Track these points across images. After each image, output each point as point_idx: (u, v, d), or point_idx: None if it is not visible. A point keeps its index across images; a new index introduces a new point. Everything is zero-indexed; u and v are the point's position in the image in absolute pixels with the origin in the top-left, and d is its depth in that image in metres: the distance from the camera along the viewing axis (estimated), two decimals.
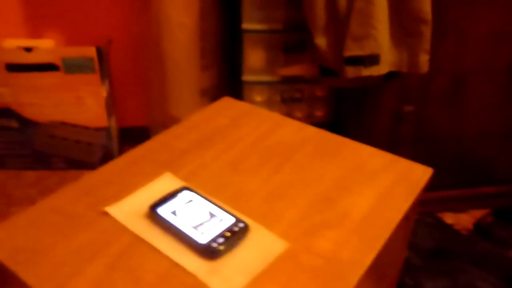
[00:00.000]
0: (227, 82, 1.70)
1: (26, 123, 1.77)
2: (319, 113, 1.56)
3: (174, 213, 0.68)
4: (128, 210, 0.70)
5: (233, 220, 0.68)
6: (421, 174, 0.81)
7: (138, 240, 0.65)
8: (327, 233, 0.67)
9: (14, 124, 1.77)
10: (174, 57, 1.57)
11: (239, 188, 0.75)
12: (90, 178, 0.77)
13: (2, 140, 1.81)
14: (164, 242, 0.65)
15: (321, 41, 1.27)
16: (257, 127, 0.90)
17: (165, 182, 0.76)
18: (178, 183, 0.75)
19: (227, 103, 0.99)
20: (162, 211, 0.69)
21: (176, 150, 0.83)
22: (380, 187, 0.76)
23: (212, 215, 0.69)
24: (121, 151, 1.96)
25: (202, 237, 0.65)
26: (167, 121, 1.75)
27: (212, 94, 1.67)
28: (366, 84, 1.34)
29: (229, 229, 0.66)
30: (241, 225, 0.67)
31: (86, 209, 0.70)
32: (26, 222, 0.69)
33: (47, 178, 1.84)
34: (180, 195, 0.72)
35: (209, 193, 0.73)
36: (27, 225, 0.68)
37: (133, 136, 1.99)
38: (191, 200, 0.71)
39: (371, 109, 1.46)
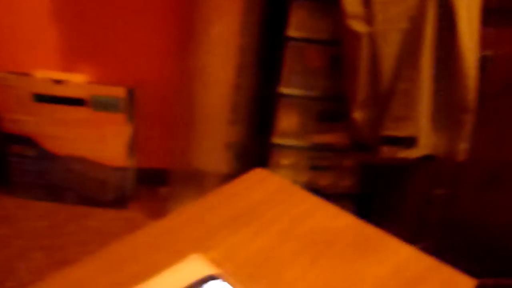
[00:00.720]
0: (254, 139, 1.67)
1: (44, 154, 1.73)
2: (345, 183, 1.51)
3: None
4: None
5: None
6: (464, 286, 0.75)
7: None
8: None
9: (32, 153, 1.74)
10: (204, 108, 1.54)
11: (273, 280, 0.70)
12: (113, 251, 0.72)
13: (17, 168, 1.77)
14: None
15: (358, 115, 1.24)
16: (293, 208, 0.85)
17: (193, 266, 0.70)
18: (206, 269, 0.70)
19: (260, 175, 0.95)
20: None
21: (206, 226, 0.78)
22: None
23: None
24: (137, 191, 1.91)
25: None
26: (188, 170, 1.71)
27: (237, 150, 1.63)
28: (399, 163, 1.30)
29: None
30: None
31: None
32: None
33: (56, 211, 1.79)
34: (206, 287, 0.66)
35: (240, 282, 0.68)
36: None
37: (151, 177, 1.95)
38: None
39: (401, 187, 1.41)
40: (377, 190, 1.50)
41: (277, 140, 1.44)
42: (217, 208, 0.83)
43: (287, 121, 1.42)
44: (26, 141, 1.71)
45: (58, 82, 1.61)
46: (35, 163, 1.75)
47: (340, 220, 0.85)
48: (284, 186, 0.92)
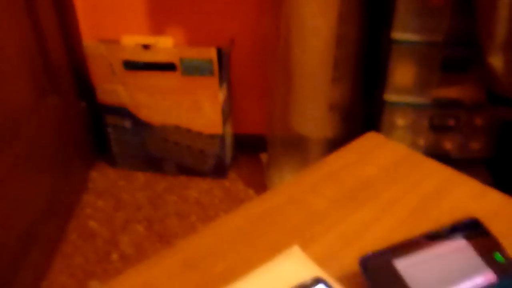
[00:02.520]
0: (361, 98, 1.46)
1: (140, 124, 1.68)
2: (475, 146, 1.26)
3: None
4: None
5: None
6: None
7: None
8: None
9: (128, 124, 1.69)
10: (303, 65, 1.36)
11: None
12: (193, 243, 0.59)
13: (115, 139, 1.74)
14: None
15: (496, 61, 0.98)
16: (420, 184, 0.66)
17: (293, 263, 0.55)
18: (310, 268, 0.54)
19: (374, 141, 0.76)
20: None
21: (309, 211, 0.62)
22: None
23: None
24: (235, 159, 1.81)
25: None
26: (288, 135, 1.55)
27: (342, 111, 1.44)
28: None
29: None
30: None
31: (181, 286, 0.52)
32: None
33: (156, 182, 1.75)
34: None
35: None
36: None
37: (248, 144, 1.83)
38: None
39: None
40: None
41: (390, 97, 1.22)
42: (323, 184, 0.66)
43: (403, 74, 1.19)
44: (122, 111, 1.66)
45: (147, 47, 1.52)
46: (132, 133, 1.71)
47: (485, 199, 0.64)
48: (406, 155, 0.72)
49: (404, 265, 0.51)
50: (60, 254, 1.48)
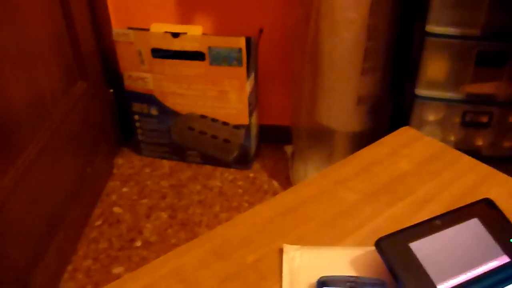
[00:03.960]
0: (390, 91, 1.43)
1: (166, 112, 1.68)
2: (508, 144, 1.23)
3: None
4: None
5: None
6: None
7: None
8: None
9: (155, 111, 1.69)
10: (332, 56, 1.34)
11: None
12: (224, 233, 0.58)
13: (141, 126, 1.75)
14: None
15: None
16: (454, 181, 0.64)
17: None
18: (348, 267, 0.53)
19: (407, 136, 0.74)
20: None
21: (341, 204, 0.61)
22: None
23: None
24: (259, 150, 1.80)
25: None
26: (314, 127, 1.54)
27: (371, 104, 1.42)
28: None
29: None
30: None
31: (213, 278, 0.52)
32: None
33: (180, 170, 1.75)
34: None
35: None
36: None
37: (273, 135, 1.83)
38: None
39: None
40: None
41: (422, 91, 1.19)
42: (356, 178, 0.65)
43: (435, 68, 1.16)
44: (149, 99, 1.67)
45: (175, 35, 1.52)
46: (158, 121, 1.71)
47: None
48: (441, 150, 0.70)
49: (418, 247, 0.51)
50: (85, 238, 1.50)
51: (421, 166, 0.67)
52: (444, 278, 0.49)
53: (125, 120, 1.79)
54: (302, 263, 0.52)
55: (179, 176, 1.73)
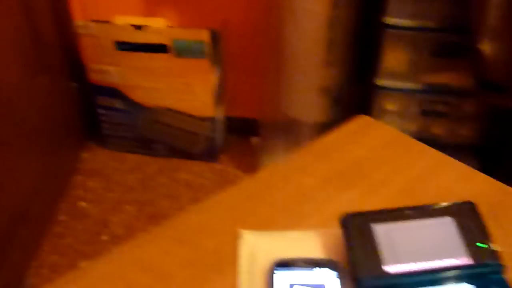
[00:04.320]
0: (353, 82, 1.46)
1: (132, 106, 1.67)
2: (465, 132, 1.27)
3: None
4: None
5: None
6: None
7: None
8: None
9: (120, 105, 1.68)
10: (295, 48, 1.36)
11: None
12: (185, 221, 0.59)
13: (107, 120, 1.74)
14: None
15: (488, 47, 0.99)
16: (409, 166, 0.67)
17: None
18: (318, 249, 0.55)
19: (364, 124, 0.76)
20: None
21: (299, 190, 0.63)
22: None
23: None
24: (226, 142, 1.81)
25: None
26: (280, 119, 1.56)
27: (334, 95, 1.44)
28: None
29: None
30: None
31: (175, 264, 0.53)
32: (91, 279, 0.53)
33: (147, 164, 1.75)
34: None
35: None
36: (95, 283, 0.52)
37: (240, 127, 1.84)
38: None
39: None
40: (508, 142, 1.24)
41: (382, 82, 1.23)
42: (314, 165, 0.67)
43: (395, 58, 1.20)
44: (114, 92, 1.65)
45: (139, 28, 1.51)
46: (124, 115, 1.70)
47: (472, 183, 0.65)
48: (396, 137, 0.73)
49: (382, 230, 0.52)
50: (51, 234, 1.48)
51: (376, 152, 0.69)
52: (394, 262, 0.49)
53: (90, 114, 1.77)
54: (259, 248, 0.54)
55: (145, 170, 1.73)
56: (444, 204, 0.54)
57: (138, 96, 1.64)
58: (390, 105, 1.26)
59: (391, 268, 0.49)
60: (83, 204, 1.59)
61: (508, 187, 0.64)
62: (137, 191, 1.64)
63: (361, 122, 0.76)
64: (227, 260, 0.53)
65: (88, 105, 1.74)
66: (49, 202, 1.54)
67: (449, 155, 0.70)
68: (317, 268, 0.50)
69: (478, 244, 0.50)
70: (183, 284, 0.51)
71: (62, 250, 1.44)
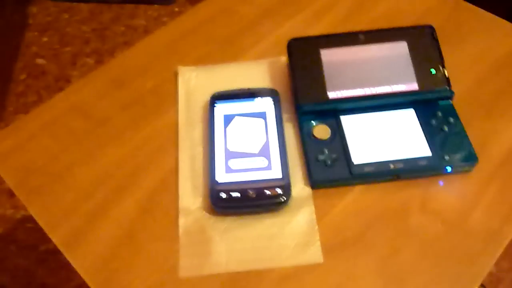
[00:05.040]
0: None
1: None
2: None
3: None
4: None
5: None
6: None
7: None
8: None
9: None
10: None
11: None
12: (122, 62, 0.57)
13: None
14: None
15: None
16: None
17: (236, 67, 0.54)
18: (263, 80, 0.53)
19: None
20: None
21: (241, 21, 0.60)
22: None
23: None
24: None
25: None
26: None
27: None
28: None
29: None
30: None
31: (114, 107, 0.52)
32: (32, 129, 0.52)
33: (101, 13, 1.65)
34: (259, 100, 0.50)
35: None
36: (37, 133, 0.51)
37: None
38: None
39: None
40: None
41: None
42: None
43: None
44: None
45: None
46: None
47: (424, 2, 0.62)
48: None
49: (330, 55, 0.49)
50: (13, 94, 1.45)
51: None
52: (338, 88, 0.47)
53: None
54: (198, 83, 0.52)
55: (100, 19, 1.63)
56: (401, 28, 0.51)
57: None
58: None
59: (336, 93, 0.47)
60: (40, 61, 1.53)
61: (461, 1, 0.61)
62: (94, 42, 1.57)
63: None
64: (166, 98, 0.52)
65: None
66: (5, 62, 1.47)
67: None
68: (259, 98, 0.49)
69: (431, 70, 0.48)
70: (123, 127, 0.50)
71: (27, 108, 1.42)
